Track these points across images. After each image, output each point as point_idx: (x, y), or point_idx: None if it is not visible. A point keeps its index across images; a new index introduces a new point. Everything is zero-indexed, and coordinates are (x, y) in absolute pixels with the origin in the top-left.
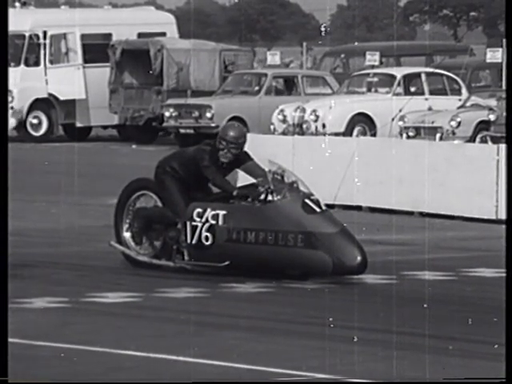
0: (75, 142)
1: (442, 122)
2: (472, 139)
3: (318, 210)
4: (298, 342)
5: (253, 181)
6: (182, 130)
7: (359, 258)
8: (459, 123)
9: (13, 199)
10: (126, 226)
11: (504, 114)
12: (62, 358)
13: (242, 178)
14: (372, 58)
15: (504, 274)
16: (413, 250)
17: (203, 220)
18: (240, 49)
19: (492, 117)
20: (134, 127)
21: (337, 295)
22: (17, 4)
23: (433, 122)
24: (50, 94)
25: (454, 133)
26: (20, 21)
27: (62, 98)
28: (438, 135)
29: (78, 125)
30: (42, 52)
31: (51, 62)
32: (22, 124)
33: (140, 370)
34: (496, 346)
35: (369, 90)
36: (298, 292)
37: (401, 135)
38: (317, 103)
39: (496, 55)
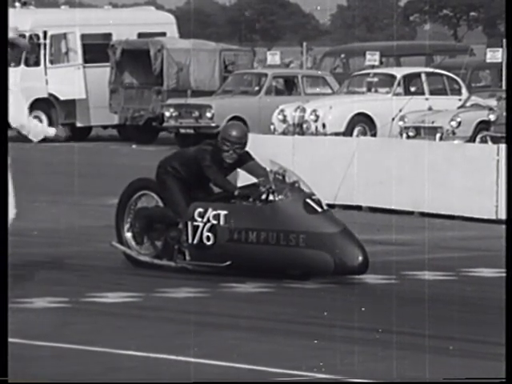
0: (75, 142)
1: (442, 121)
2: (472, 139)
3: (319, 209)
4: (298, 342)
5: (254, 180)
6: (182, 130)
7: (361, 258)
8: (459, 123)
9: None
10: (127, 226)
11: (504, 113)
12: (62, 358)
13: (243, 178)
14: (372, 57)
15: (504, 274)
16: (413, 250)
17: (204, 220)
18: (240, 49)
19: (492, 117)
20: (134, 127)
21: (337, 295)
22: (17, 4)
23: (433, 122)
24: (50, 94)
25: (454, 133)
26: (20, 21)
27: (62, 97)
28: (438, 135)
29: (78, 125)
30: (42, 52)
31: (51, 62)
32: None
33: (140, 370)
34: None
35: (369, 90)
36: (298, 292)
37: (401, 135)
38: (317, 103)
39: (496, 55)
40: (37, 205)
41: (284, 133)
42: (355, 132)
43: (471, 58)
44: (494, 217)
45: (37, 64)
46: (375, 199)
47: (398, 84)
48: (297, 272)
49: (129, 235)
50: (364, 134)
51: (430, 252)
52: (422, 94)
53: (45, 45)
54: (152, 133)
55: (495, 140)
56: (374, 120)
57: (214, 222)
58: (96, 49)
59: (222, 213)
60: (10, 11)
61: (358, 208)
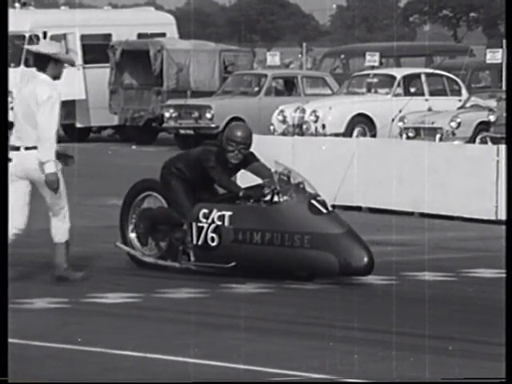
0: (75, 143)
1: (442, 122)
2: (472, 140)
3: (324, 210)
4: (297, 343)
5: (259, 181)
6: (181, 131)
7: (366, 259)
8: (459, 124)
9: None
10: (131, 227)
11: (504, 114)
12: (62, 359)
13: (247, 179)
14: (372, 58)
15: (504, 275)
16: (413, 251)
17: (209, 221)
18: (240, 49)
19: (492, 117)
20: (133, 128)
21: (337, 296)
22: (17, 4)
23: (433, 123)
24: None
25: (453, 133)
26: (20, 21)
27: (61, 98)
28: (437, 136)
29: (78, 125)
30: None
31: None
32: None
33: (140, 371)
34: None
35: (369, 91)
36: (298, 292)
37: (401, 136)
38: (317, 104)
39: (496, 56)
40: (37, 205)
41: (284, 133)
42: (355, 133)
43: (471, 59)
44: (493, 217)
45: None
46: (375, 200)
47: (398, 85)
48: (302, 273)
49: (133, 236)
50: (364, 134)
51: (430, 252)
52: (422, 94)
53: None
54: (152, 133)
55: (495, 141)
56: (373, 121)
57: (219, 222)
58: (96, 49)
59: (227, 214)
60: (10, 12)
61: (358, 209)
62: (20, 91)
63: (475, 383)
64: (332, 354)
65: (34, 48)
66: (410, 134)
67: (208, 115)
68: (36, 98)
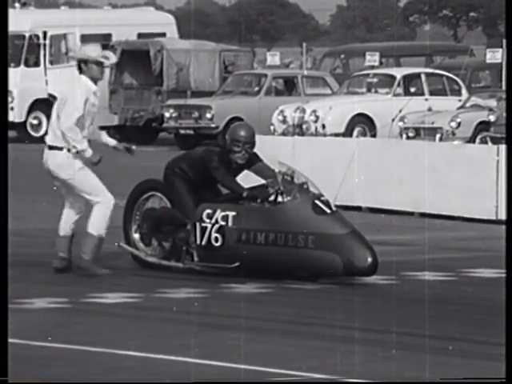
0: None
1: (442, 122)
2: (472, 140)
3: (328, 211)
4: (298, 343)
5: (262, 182)
6: (181, 131)
7: (370, 259)
8: (459, 124)
9: (13, 200)
10: (134, 227)
11: (504, 114)
12: (62, 359)
13: (243, 179)
14: (372, 58)
15: (504, 275)
16: (413, 251)
17: (213, 221)
18: (240, 49)
19: (492, 117)
20: (133, 128)
21: (337, 295)
22: (17, 4)
23: (433, 123)
24: (50, 95)
25: (453, 133)
26: (20, 21)
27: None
28: (437, 136)
29: None
30: (41, 52)
31: (51, 63)
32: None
33: (140, 371)
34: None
35: (369, 91)
36: (298, 292)
37: (401, 136)
38: (317, 104)
39: (496, 56)
40: (37, 205)
41: (284, 133)
42: (355, 133)
43: (471, 59)
44: (494, 217)
45: (37, 64)
46: (375, 200)
47: (398, 84)
48: (306, 273)
49: (136, 236)
50: (364, 134)
51: (430, 252)
52: (422, 94)
53: (44, 45)
54: (152, 133)
55: (495, 140)
56: (373, 120)
57: (223, 223)
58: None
59: (231, 214)
60: (10, 11)
61: (358, 209)
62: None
63: (475, 383)
64: (332, 353)
65: (78, 54)
66: (410, 134)
67: (208, 115)
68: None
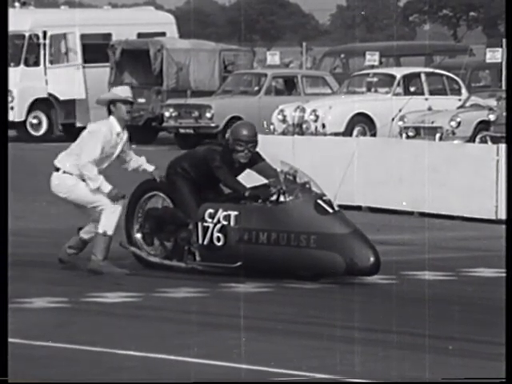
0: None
1: (442, 122)
2: (472, 139)
3: (330, 210)
4: (297, 342)
5: (265, 181)
6: (181, 130)
7: (372, 259)
8: (459, 123)
9: (13, 199)
10: (136, 227)
11: (504, 113)
12: (62, 358)
13: (245, 178)
14: (372, 58)
15: (504, 274)
16: (413, 250)
17: (215, 221)
18: (240, 49)
19: (492, 117)
20: (133, 127)
21: (337, 295)
22: (16, 4)
23: (433, 122)
24: (50, 94)
25: (453, 133)
26: (20, 21)
27: (61, 97)
28: (437, 135)
29: (78, 125)
30: (41, 52)
31: (51, 62)
32: None
33: (140, 370)
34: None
35: (369, 90)
36: (298, 292)
37: (401, 135)
38: (317, 103)
39: (496, 55)
40: (37, 205)
41: (284, 133)
42: (355, 132)
43: (471, 58)
44: (493, 217)
45: (36, 64)
46: (375, 199)
47: (398, 84)
48: (308, 273)
49: (139, 236)
50: (364, 134)
51: (430, 252)
52: (422, 94)
53: (44, 45)
54: (152, 133)
55: (495, 140)
56: (373, 120)
57: (225, 222)
58: (96, 49)
59: (233, 214)
60: (10, 11)
61: (358, 208)
62: None
63: (475, 383)
64: (332, 353)
65: (108, 95)
66: (410, 134)
67: (208, 114)
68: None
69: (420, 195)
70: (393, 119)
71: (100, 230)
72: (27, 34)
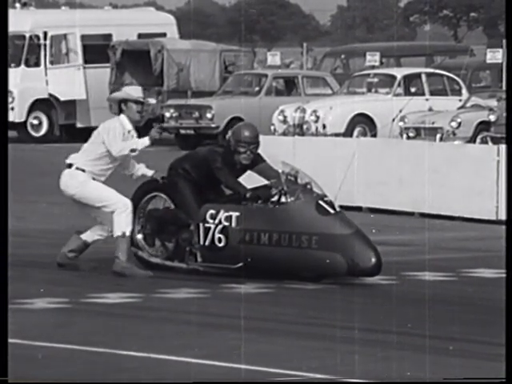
0: (76, 143)
1: (443, 122)
2: (472, 140)
3: (331, 211)
4: (298, 343)
5: (266, 182)
6: (182, 131)
7: (374, 260)
8: (459, 124)
9: (13, 200)
10: (138, 228)
11: (504, 114)
12: (62, 359)
13: (246, 180)
14: (372, 58)
15: (504, 275)
16: (413, 251)
17: (216, 222)
18: (240, 49)
19: (492, 117)
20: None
21: (337, 295)
22: (17, 4)
23: (433, 123)
24: (51, 95)
25: (454, 133)
26: (20, 21)
27: (62, 98)
28: (438, 136)
29: (79, 125)
30: (42, 53)
31: (51, 63)
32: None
33: (140, 371)
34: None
35: (369, 91)
36: (298, 292)
37: (401, 136)
38: (317, 104)
39: (496, 56)
40: (37, 205)
41: (284, 133)
42: (355, 133)
43: (471, 59)
44: (494, 217)
45: (37, 65)
46: (375, 200)
47: (399, 84)
48: (310, 274)
49: (140, 237)
50: (364, 134)
51: (431, 253)
52: (423, 94)
53: (45, 45)
54: None
55: (495, 140)
56: (374, 120)
57: (226, 223)
58: (96, 49)
59: (234, 214)
60: (10, 12)
61: (359, 209)
62: None
63: (475, 383)
64: (332, 354)
65: (119, 94)
66: (411, 134)
67: (208, 115)
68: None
69: (420, 196)
70: (393, 120)
71: (118, 233)
72: (28, 35)
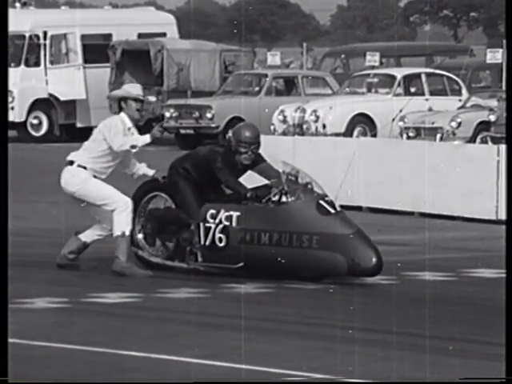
0: (75, 143)
1: (443, 122)
2: (472, 140)
3: (332, 211)
4: (298, 343)
5: (266, 182)
6: (182, 131)
7: (374, 260)
8: (459, 124)
9: (13, 200)
10: (138, 228)
11: (504, 114)
12: (62, 359)
13: (247, 180)
14: (372, 58)
15: (504, 275)
16: (413, 251)
17: (217, 221)
18: (240, 49)
19: (492, 117)
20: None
21: (337, 295)
22: (17, 4)
23: (433, 123)
24: (51, 95)
25: (454, 133)
26: (20, 21)
27: (62, 98)
28: (438, 136)
29: (79, 125)
30: (42, 52)
31: (51, 63)
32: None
33: (140, 371)
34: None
35: (369, 91)
36: (298, 292)
37: (401, 136)
38: (317, 104)
39: (496, 56)
40: (37, 205)
41: (284, 133)
42: (355, 132)
43: (471, 59)
44: (494, 217)
45: (37, 64)
46: (376, 200)
47: (398, 84)
48: (310, 274)
49: (140, 236)
50: (364, 134)
51: (431, 252)
52: (422, 94)
53: (45, 45)
54: None
55: (495, 140)
56: (374, 120)
57: (227, 223)
58: (96, 49)
59: (235, 214)
60: (10, 11)
61: (359, 209)
62: None
63: (475, 383)
64: (332, 354)
65: (119, 92)
66: (411, 134)
67: (208, 115)
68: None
69: (420, 196)
70: (393, 120)
71: (118, 232)
72: (27, 35)
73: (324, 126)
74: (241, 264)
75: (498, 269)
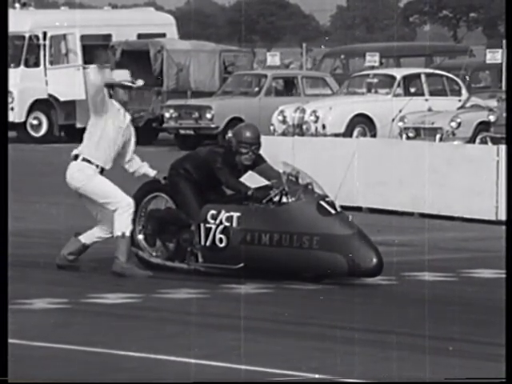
0: (76, 143)
1: (442, 122)
2: (472, 140)
3: (333, 211)
4: (297, 343)
5: (267, 182)
6: (181, 131)
7: (375, 260)
8: (459, 124)
9: (13, 200)
10: (139, 228)
11: (504, 114)
12: (62, 359)
13: (247, 180)
14: (372, 58)
15: (504, 275)
16: (413, 251)
17: (217, 222)
18: (240, 50)
19: (492, 118)
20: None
21: (337, 296)
22: (17, 5)
23: (433, 123)
24: (50, 95)
25: (453, 134)
26: (20, 22)
27: (62, 98)
28: (437, 136)
29: (78, 125)
30: (41, 53)
31: (51, 63)
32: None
33: (140, 371)
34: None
35: (369, 91)
36: (298, 293)
37: (401, 136)
38: (317, 104)
39: (496, 56)
40: (37, 206)
41: (284, 134)
42: (355, 133)
43: (471, 59)
44: (493, 218)
45: (36, 65)
46: (375, 200)
47: (398, 85)
48: (311, 274)
49: (141, 237)
50: (364, 134)
51: (430, 253)
52: (422, 94)
53: (44, 46)
54: (152, 134)
55: (495, 141)
56: (373, 121)
57: (227, 224)
58: (96, 50)
59: (235, 215)
60: (10, 12)
61: (358, 209)
62: None
63: (475, 383)
64: (332, 354)
65: (106, 79)
66: (410, 134)
67: (208, 115)
68: None
69: (420, 196)
70: (393, 120)
71: (118, 233)
72: (27, 35)
73: (324, 127)
74: (241, 264)
75: (498, 269)
